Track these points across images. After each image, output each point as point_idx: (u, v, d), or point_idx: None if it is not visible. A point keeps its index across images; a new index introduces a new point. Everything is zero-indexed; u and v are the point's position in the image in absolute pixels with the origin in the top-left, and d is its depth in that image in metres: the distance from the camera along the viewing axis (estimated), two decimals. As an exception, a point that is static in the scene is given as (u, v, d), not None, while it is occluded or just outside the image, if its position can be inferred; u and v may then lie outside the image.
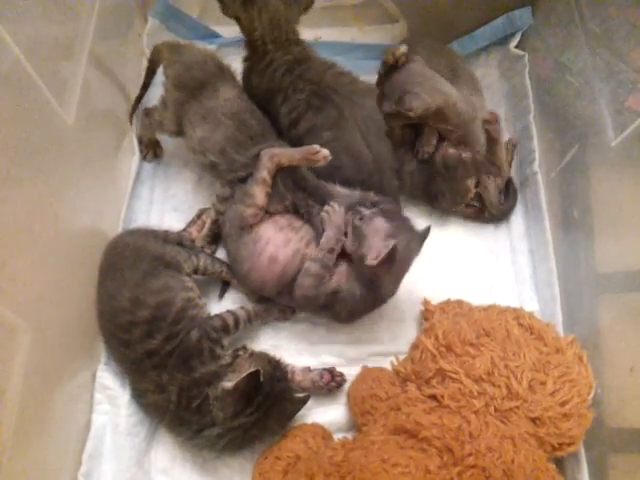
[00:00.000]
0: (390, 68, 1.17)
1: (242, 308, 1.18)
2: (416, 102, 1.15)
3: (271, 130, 1.25)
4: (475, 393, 0.96)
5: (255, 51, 1.26)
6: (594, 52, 1.18)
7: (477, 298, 1.20)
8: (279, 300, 1.19)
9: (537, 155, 1.37)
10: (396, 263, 1.02)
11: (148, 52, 1.38)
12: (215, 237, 1.30)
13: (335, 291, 1.09)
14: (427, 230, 1.10)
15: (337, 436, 1.10)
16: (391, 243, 0.98)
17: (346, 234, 1.11)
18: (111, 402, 1.11)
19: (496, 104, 1.52)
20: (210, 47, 1.52)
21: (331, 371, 1.16)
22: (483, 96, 1.41)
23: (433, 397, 1.00)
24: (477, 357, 0.99)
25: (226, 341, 1.10)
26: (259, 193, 1.14)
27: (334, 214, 1.11)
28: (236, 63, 1.32)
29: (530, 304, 1.26)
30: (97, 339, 1.12)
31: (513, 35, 1.51)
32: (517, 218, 1.39)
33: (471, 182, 1.30)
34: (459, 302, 1.20)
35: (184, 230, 1.29)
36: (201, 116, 1.21)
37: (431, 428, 0.93)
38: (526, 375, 0.96)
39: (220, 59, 1.30)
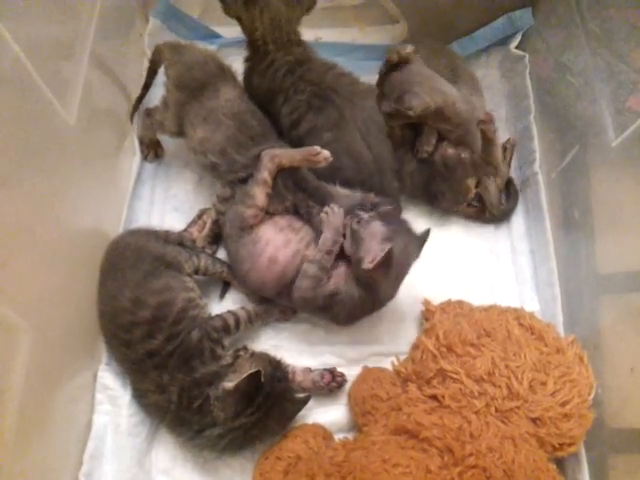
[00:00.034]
0: (391, 67, 1.17)
1: (243, 308, 1.18)
2: (415, 101, 1.15)
3: (272, 131, 1.25)
4: (476, 393, 0.96)
5: (256, 51, 1.26)
6: (594, 53, 1.18)
7: (478, 298, 1.20)
8: (279, 301, 1.19)
9: (538, 155, 1.37)
10: (393, 267, 1.02)
11: (149, 52, 1.38)
12: (216, 237, 1.30)
13: (333, 293, 1.09)
14: (426, 233, 1.10)
15: (338, 436, 1.10)
16: (387, 247, 0.98)
17: (344, 236, 1.11)
18: (112, 402, 1.11)
19: (497, 104, 1.52)
20: (211, 47, 1.52)
21: (332, 371, 1.16)
22: (483, 96, 1.41)
23: (434, 397, 1.00)
24: (478, 357, 0.99)
25: (227, 341, 1.10)
26: (259, 194, 1.14)
27: (333, 216, 1.11)
28: (237, 63, 1.32)
29: (531, 304, 1.26)
30: (98, 339, 1.12)
31: (514, 36, 1.52)
32: (518, 218, 1.39)
33: (471, 181, 1.30)
34: (460, 302, 1.20)
35: (185, 230, 1.30)
36: (202, 117, 1.21)
37: (432, 428, 0.93)
38: (527, 375, 0.96)
39: (221, 60, 1.30)
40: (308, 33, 1.30)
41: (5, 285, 0.82)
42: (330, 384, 1.14)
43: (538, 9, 1.47)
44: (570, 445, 0.96)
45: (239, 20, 1.23)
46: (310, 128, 1.22)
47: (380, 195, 1.19)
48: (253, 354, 1.09)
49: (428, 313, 1.20)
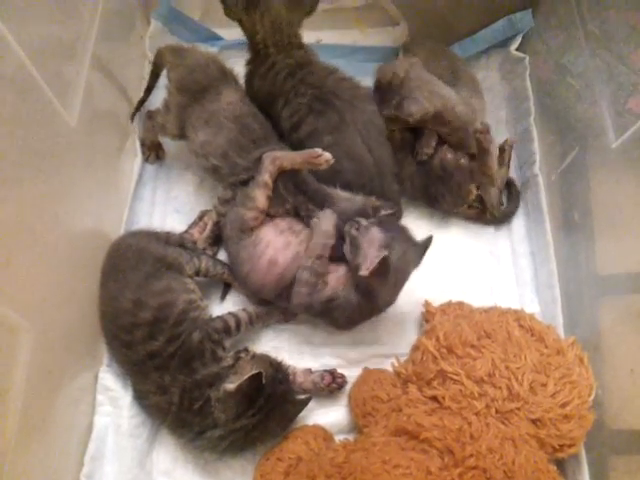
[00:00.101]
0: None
1: (244, 310, 1.18)
2: (414, 107, 1.17)
3: (273, 133, 1.25)
4: (476, 394, 0.96)
5: (257, 54, 1.26)
6: (595, 54, 1.18)
7: (478, 300, 1.20)
8: (279, 303, 1.19)
9: (538, 157, 1.37)
10: (391, 273, 1.02)
11: (150, 54, 1.38)
12: (217, 239, 1.30)
13: (330, 299, 1.09)
14: (428, 240, 1.09)
15: (338, 437, 1.10)
16: (383, 254, 0.99)
17: (343, 239, 1.11)
18: (113, 403, 1.11)
19: (497, 106, 1.53)
20: (212, 49, 1.53)
21: (332, 373, 1.16)
22: (484, 98, 1.42)
23: (434, 398, 1.00)
24: (478, 359, 0.99)
25: (228, 343, 1.10)
26: (260, 196, 1.14)
27: (323, 219, 1.11)
28: (238, 66, 1.32)
29: (531, 306, 1.26)
30: (99, 340, 1.12)
31: (514, 37, 1.52)
32: (518, 220, 1.39)
33: (472, 185, 1.31)
34: (460, 304, 1.20)
35: (186, 232, 1.30)
36: (204, 120, 1.21)
37: (432, 429, 0.93)
38: (527, 377, 0.96)
39: (222, 62, 1.29)
40: (309, 35, 1.30)
41: (6, 285, 0.82)
42: (330, 385, 1.14)
43: (538, 11, 1.48)
44: (570, 446, 0.96)
45: (240, 23, 1.23)
46: (311, 131, 1.22)
47: (381, 198, 1.19)
48: (254, 356, 1.09)
49: (428, 314, 1.20)
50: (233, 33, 1.39)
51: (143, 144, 1.41)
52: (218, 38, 1.59)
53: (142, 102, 1.39)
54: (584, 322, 1.13)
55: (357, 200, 1.16)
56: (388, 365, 1.15)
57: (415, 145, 1.32)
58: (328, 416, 1.15)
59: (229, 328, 1.11)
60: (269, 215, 1.18)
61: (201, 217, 1.32)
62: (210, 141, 1.20)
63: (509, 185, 1.41)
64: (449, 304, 1.21)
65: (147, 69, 1.40)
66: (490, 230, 1.39)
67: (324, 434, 1.09)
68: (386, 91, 1.24)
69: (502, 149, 1.37)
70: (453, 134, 1.29)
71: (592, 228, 1.14)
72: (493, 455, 0.89)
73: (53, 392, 0.97)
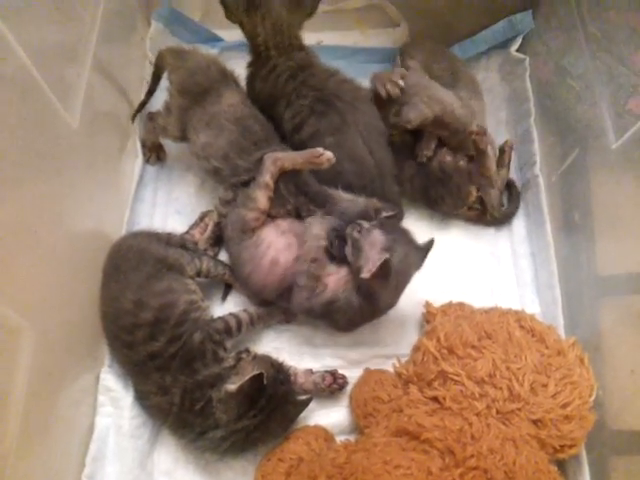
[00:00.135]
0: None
1: (245, 311, 1.18)
2: (413, 114, 1.17)
3: (274, 135, 1.25)
4: (477, 395, 0.96)
5: (258, 56, 1.26)
6: (595, 55, 1.18)
7: (479, 301, 1.20)
8: (280, 303, 1.19)
9: (538, 158, 1.37)
10: (392, 276, 1.02)
11: (151, 55, 1.38)
12: (218, 239, 1.30)
13: (331, 301, 1.09)
14: (430, 243, 1.09)
15: (339, 438, 1.10)
16: (384, 256, 0.99)
17: (345, 241, 1.11)
18: (114, 404, 1.11)
19: (497, 108, 1.53)
20: (212, 51, 1.53)
21: (333, 373, 1.16)
22: (483, 100, 1.42)
23: (435, 399, 1.00)
24: (479, 359, 0.99)
25: (229, 343, 1.11)
26: (261, 197, 1.14)
27: (313, 223, 1.12)
28: (238, 67, 1.32)
29: (531, 307, 1.26)
30: (100, 341, 1.12)
31: (514, 39, 1.52)
32: (518, 221, 1.39)
33: (472, 187, 1.31)
34: (461, 305, 1.20)
35: (187, 233, 1.30)
36: (205, 122, 1.21)
37: (433, 430, 0.93)
38: (527, 377, 0.96)
39: (223, 65, 1.29)
40: (310, 37, 1.30)
41: (7, 286, 0.82)
42: (331, 386, 1.14)
43: (539, 12, 1.48)
44: (571, 447, 0.96)
45: (241, 25, 1.23)
46: (312, 132, 1.22)
47: (381, 200, 1.19)
48: (255, 356, 1.09)
49: (429, 315, 1.20)
50: (233, 34, 1.39)
51: (144, 145, 1.42)
52: (218, 39, 1.59)
53: (143, 104, 1.39)
54: (585, 323, 1.13)
55: (359, 201, 1.16)
56: (389, 366, 1.15)
57: (415, 147, 1.32)
58: (329, 417, 1.15)
59: (230, 329, 1.11)
60: (270, 216, 1.18)
61: (202, 218, 1.32)
62: (211, 143, 1.20)
63: (509, 186, 1.41)
64: (450, 305, 1.21)
65: (148, 70, 1.40)
66: (490, 231, 1.39)
67: (325, 435, 1.09)
68: (385, 100, 1.25)
69: (502, 150, 1.38)
70: (453, 137, 1.29)
71: (592, 229, 1.15)
72: (494, 456, 0.89)
73: (54, 393, 0.97)
